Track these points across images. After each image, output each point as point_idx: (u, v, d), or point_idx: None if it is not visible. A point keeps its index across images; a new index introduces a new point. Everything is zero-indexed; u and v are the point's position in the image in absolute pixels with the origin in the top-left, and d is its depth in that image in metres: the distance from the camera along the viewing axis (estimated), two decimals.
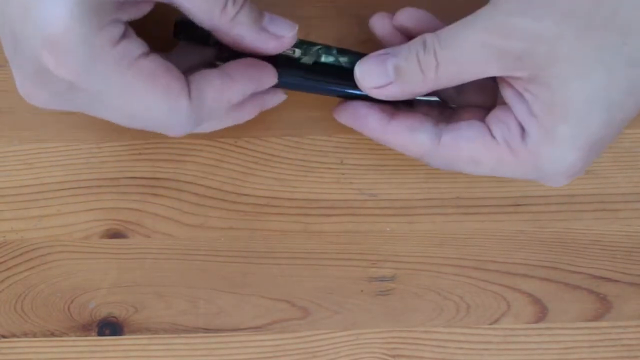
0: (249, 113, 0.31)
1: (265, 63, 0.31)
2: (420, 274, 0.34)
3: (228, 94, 0.29)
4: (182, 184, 0.34)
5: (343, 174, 0.35)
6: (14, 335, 0.32)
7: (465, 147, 0.30)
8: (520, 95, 0.28)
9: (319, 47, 0.32)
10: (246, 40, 0.29)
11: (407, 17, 0.32)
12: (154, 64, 0.27)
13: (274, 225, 0.34)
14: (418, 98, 0.32)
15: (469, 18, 0.28)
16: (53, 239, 0.33)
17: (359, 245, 0.34)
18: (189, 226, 0.34)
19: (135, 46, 0.27)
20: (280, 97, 0.32)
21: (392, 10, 0.36)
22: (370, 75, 0.30)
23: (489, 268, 0.34)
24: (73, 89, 0.27)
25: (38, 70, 0.26)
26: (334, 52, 0.32)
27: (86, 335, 0.32)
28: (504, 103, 0.30)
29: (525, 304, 0.34)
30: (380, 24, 0.32)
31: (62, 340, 0.32)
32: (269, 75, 0.31)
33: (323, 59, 0.32)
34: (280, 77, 0.31)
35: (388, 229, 0.34)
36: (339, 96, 0.32)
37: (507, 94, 0.29)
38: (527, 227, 0.35)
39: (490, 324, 0.33)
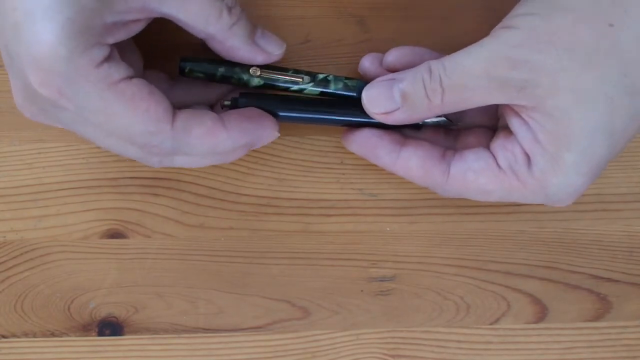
0: (235, 156, 0.31)
1: (267, 116, 0.31)
2: (420, 274, 0.34)
3: (215, 140, 0.29)
4: (182, 184, 0.34)
5: (343, 174, 0.35)
6: (14, 335, 0.32)
7: (474, 179, 0.30)
8: (525, 123, 0.29)
9: (326, 75, 0.32)
10: (239, 52, 0.30)
11: (396, 57, 0.32)
12: (136, 87, 0.27)
13: (274, 225, 0.34)
14: (425, 121, 0.32)
15: (473, 48, 0.28)
16: (53, 239, 0.33)
17: (359, 245, 0.34)
18: (189, 226, 0.34)
19: (118, 69, 0.27)
20: (272, 135, 0.31)
21: (391, 10, 0.36)
22: (377, 101, 0.30)
23: (489, 268, 0.34)
24: (57, 106, 0.27)
25: (26, 85, 0.27)
26: (342, 78, 0.32)
27: (86, 335, 0.32)
28: (507, 127, 0.31)
29: (525, 304, 0.34)
30: (370, 64, 0.33)
31: (62, 340, 0.32)
32: (269, 131, 0.31)
33: (332, 85, 0.32)
34: (287, 112, 0.32)
35: (388, 229, 0.34)
36: (346, 125, 0.33)
37: (512, 121, 0.30)
38: (527, 227, 0.35)
39: (490, 324, 0.33)
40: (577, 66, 0.27)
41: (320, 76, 0.32)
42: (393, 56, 0.32)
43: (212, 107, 0.33)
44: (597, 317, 0.34)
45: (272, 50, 0.31)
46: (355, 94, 0.32)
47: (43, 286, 0.33)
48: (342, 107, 0.32)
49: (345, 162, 0.35)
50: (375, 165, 0.34)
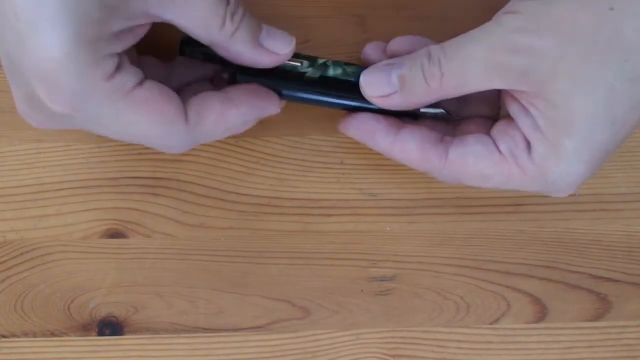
0: (244, 127, 0.31)
1: (269, 91, 0.31)
2: (420, 274, 0.34)
3: (228, 119, 0.29)
4: (182, 183, 0.34)
5: (343, 173, 0.35)
6: (14, 335, 0.32)
7: (473, 162, 0.30)
8: (525, 109, 0.29)
9: (325, 59, 0.32)
10: (244, 57, 0.30)
11: (399, 45, 0.32)
12: (148, 91, 0.27)
13: (274, 225, 0.34)
14: (423, 110, 0.32)
15: (474, 32, 0.28)
16: (53, 239, 0.33)
17: (359, 245, 0.34)
18: (188, 226, 0.34)
19: (129, 77, 0.27)
20: (277, 108, 0.31)
21: (391, 10, 0.36)
22: (375, 84, 0.30)
23: (489, 268, 0.34)
24: (68, 115, 0.27)
25: (31, 95, 0.26)
26: (342, 64, 0.32)
27: (86, 335, 0.32)
28: (508, 115, 0.30)
29: (525, 304, 0.34)
30: (372, 52, 0.33)
31: (62, 340, 0.32)
32: (273, 104, 0.31)
33: (331, 71, 0.32)
34: (286, 91, 0.31)
35: (388, 228, 0.34)
36: (343, 109, 0.32)
37: (512, 108, 0.29)
38: (527, 227, 0.35)
39: (490, 324, 0.33)
40: (577, 52, 0.27)
41: (320, 61, 0.32)
42: (396, 45, 0.32)
43: (211, 80, 0.33)
44: (597, 317, 0.34)
45: (279, 50, 0.30)
46: (353, 80, 0.32)
47: (43, 286, 0.33)
48: (342, 90, 0.32)
49: (345, 162, 0.35)
50: (375, 165, 0.34)
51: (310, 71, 0.32)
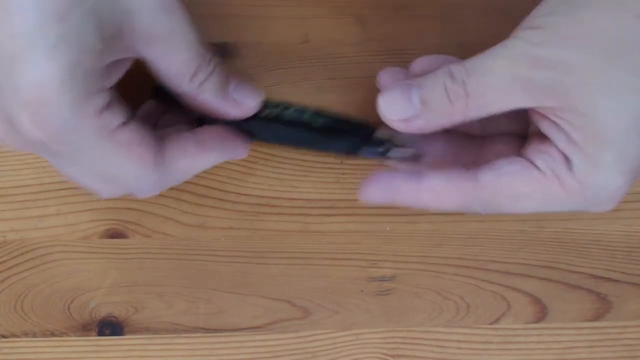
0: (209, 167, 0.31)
1: (239, 135, 0.31)
2: (420, 274, 0.34)
3: (201, 164, 0.29)
4: (182, 183, 0.34)
5: (343, 173, 0.35)
6: (14, 335, 0.32)
7: (509, 183, 0.28)
8: (555, 125, 0.28)
9: (293, 108, 0.31)
10: (210, 106, 0.29)
11: (421, 67, 0.31)
12: (131, 133, 0.27)
13: (274, 225, 0.34)
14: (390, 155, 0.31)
15: (494, 49, 0.27)
16: (53, 239, 0.33)
17: (358, 245, 0.34)
18: (188, 226, 0.34)
19: (117, 116, 0.26)
20: (245, 152, 0.31)
21: (391, 10, 0.36)
22: (394, 106, 0.29)
23: (489, 268, 0.34)
24: (45, 144, 0.26)
25: (11, 119, 0.25)
26: (310, 113, 0.31)
27: (86, 335, 0.32)
28: (538, 132, 0.29)
29: (525, 304, 0.34)
30: (389, 79, 0.32)
31: (62, 340, 0.32)
32: (242, 148, 0.31)
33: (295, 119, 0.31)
34: (254, 134, 0.31)
35: (388, 228, 0.34)
36: (311, 151, 0.33)
37: (543, 125, 0.28)
38: (527, 227, 0.35)
39: (490, 324, 0.33)
40: (604, 61, 0.26)
41: (288, 111, 0.31)
42: (420, 66, 0.31)
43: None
44: (597, 317, 0.34)
45: (247, 102, 0.30)
46: (317, 125, 0.31)
47: (43, 286, 0.33)
48: (309, 136, 0.31)
49: (345, 162, 0.35)
50: (375, 165, 0.34)
51: (279, 115, 0.31)
